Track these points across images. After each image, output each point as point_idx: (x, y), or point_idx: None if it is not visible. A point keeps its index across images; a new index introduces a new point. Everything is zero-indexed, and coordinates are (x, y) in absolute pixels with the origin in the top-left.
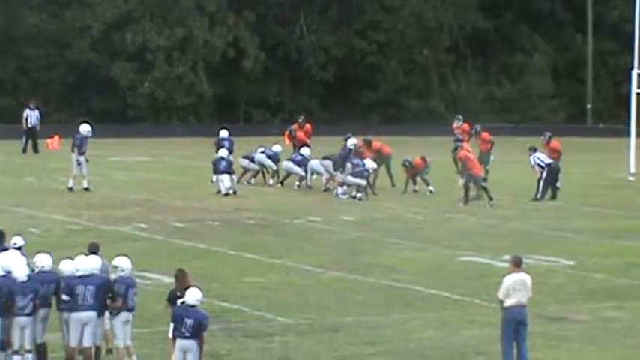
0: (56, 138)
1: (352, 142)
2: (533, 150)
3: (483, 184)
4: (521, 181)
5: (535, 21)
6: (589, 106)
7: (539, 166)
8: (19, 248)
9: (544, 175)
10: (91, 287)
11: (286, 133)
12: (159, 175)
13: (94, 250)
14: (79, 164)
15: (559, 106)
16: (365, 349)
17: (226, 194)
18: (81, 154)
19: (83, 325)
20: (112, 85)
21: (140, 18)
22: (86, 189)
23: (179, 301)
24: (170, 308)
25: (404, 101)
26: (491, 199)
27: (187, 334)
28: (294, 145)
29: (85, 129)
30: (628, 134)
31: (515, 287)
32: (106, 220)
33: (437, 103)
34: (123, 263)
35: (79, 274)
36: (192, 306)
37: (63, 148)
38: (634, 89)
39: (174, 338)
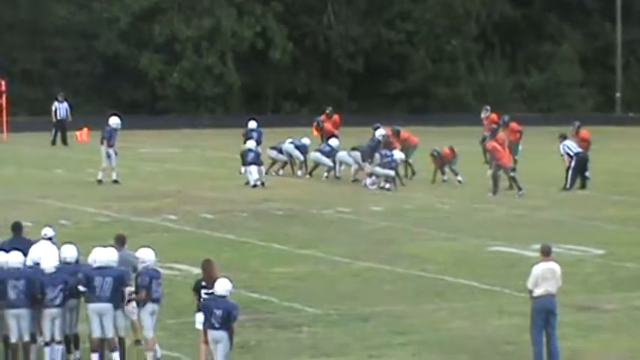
0: (85, 130)
1: (381, 132)
2: (563, 138)
3: (512, 173)
4: (551, 171)
5: (563, 9)
6: (618, 94)
7: (568, 154)
8: (49, 239)
9: (572, 164)
10: (109, 279)
11: (314, 124)
12: (188, 167)
13: (120, 241)
14: (109, 156)
15: (588, 95)
16: (394, 339)
17: (254, 185)
18: (110, 146)
19: (101, 317)
20: (140, 76)
21: (168, 9)
22: (115, 181)
23: (202, 292)
24: (195, 297)
25: (432, 91)
26: (520, 188)
27: (217, 325)
28: (322, 137)
29: (114, 121)
30: None
31: (545, 276)
32: (135, 211)
33: (465, 92)
34: (145, 255)
35: (96, 265)
36: (222, 297)
37: (92, 140)
38: None
39: (204, 330)
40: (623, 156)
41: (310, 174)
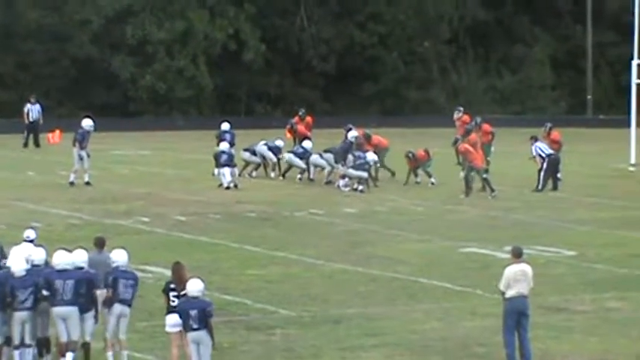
0: (57, 132)
1: (353, 134)
2: (535, 139)
3: (485, 175)
4: (523, 173)
5: (535, 12)
6: (589, 97)
7: (540, 156)
8: (31, 241)
9: (544, 165)
10: (70, 282)
11: (287, 127)
12: (160, 169)
13: (99, 244)
14: (81, 158)
15: (559, 97)
16: (367, 341)
17: (227, 187)
18: (82, 148)
19: (64, 320)
20: (112, 78)
21: (140, 11)
22: (87, 183)
23: (171, 295)
24: (165, 300)
25: (404, 93)
26: (492, 190)
27: (195, 326)
28: (295, 139)
29: (87, 123)
30: (628, 125)
31: (516, 278)
32: (107, 214)
33: (437, 94)
34: (114, 256)
35: (58, 268)
36: (195, 297)
37: (64, 142)
38: (634, 80)
39: (180, 334)
40: (594, 158)
41: (283, 176)
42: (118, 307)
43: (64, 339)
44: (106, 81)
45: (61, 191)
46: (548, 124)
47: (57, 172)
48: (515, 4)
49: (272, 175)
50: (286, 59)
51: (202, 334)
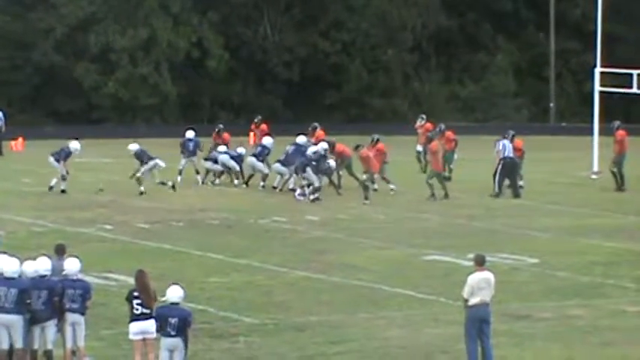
0: (20, 140)
1: (324, 146)
2: (503, 137)
3: (430, 181)
4: (486, 180)
5: (498, 20)
6: (552, 104)
7: (501, 152)
8: None
9: (499, 167)
10: (13, 290)
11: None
12: (124, 176)
13: (59, 251)
14: (63, 176)
15: (522, 105)
16: (330, 349)
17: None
18: (57, 161)
19: (7, 328)
20: (76, 86)
21: (103, 19)
22: (51, 188)
23: (134, 302)
24: (128, 307)
25: (368, 100)
26: (433, 195)
27: (173, 333)
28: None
29: (74, 146)
30: (591, 133)
31: (480, 286)
32: (70, 221)
33: (400, 102)
34: (65, 264)
35: (5, 276)
36: (175, 304)
37: (27, 149)
38: (597, 88)
39: (162, 336)
40: (557, 165)
41: (247, 183)
42: (69, 316)
43: (4, 347)
44: (69, 88)
45: (23, 199)
46: (511, 132)
47: (20, 179)
48: (478, 12)
49: (235, 182)
50: (249, 67)
51: (178, 342)
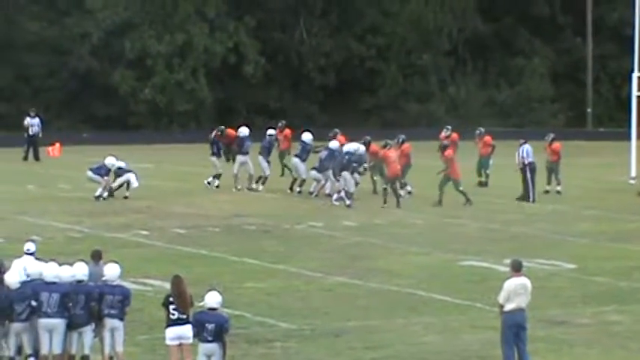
0: (57, 145)
1: (362, 147)
2: (524, 142)
3: (461, 187)
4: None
5: (534, 24)
6: (589, 109)
7: (523, 158)
8: (31, 254)
9: (528, 174)
10: (55, 295)
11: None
12: (160, 182)
13: (96, 257)
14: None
15: (559, 110)
16: (366, 354)
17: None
18: (100, 175)
19: (50, 333)
20: (112, 91)
21: (140, 24)
22: (107, 196)
23: (171, 308)
24: (165, 313)
25: (403, 105)
26: (468, 200)
27: (210, 338)
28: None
29: (110, 162)
30: (628, 137)
31: (517, 292)
32: (107, 227)
33: (436, 107)
34: (106, 270)
35: (46, 280)
36: (213, 309)
37: (63, 155)
38: (634, 92)
39: (199, 342)
40: (594, 171)
41: (291, 189)
42: (107, 321)
43: (45, 352)
44: (105, 94)
45: (61, 204)
46: (551, 135)
47: (57, 185)
48: (514, 17)
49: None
50: (286, 72)
51: (216, 348)
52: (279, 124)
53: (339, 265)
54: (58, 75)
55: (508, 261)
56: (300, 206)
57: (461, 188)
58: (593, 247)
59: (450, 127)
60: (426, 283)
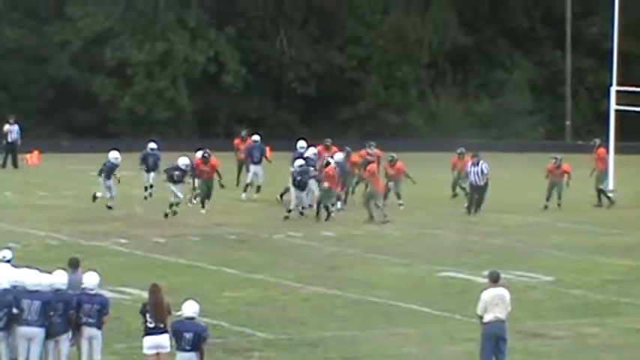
0: (35, 153)
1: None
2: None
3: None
4: (501, 198)
5: (514, 37)
6: (568, 122)
7: (480, 175)
8: (8, 261)
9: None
10: (37, 302)
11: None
12: (139, 190)
13: (73, 265)
14: (109, 188)
15: (538, 123)
16: None
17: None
18: (108, 178)
19: (28, 341)
20: (92, 100)
21: (120, 33)
22: (109, 207)
23: (148, 316)
24: (142, 321)
25: (383, 116)
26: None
27: (188, 348)
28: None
29: (113, 156)
30: (607, 151)
31: (494, 302)
32: (85, 234)
33: (416, 118)
34: (84, 278)
35: (28, 288)
36: (190, 318)
37: (42, 162)
38: (612, 106)
39: (177, 350)
40: (572, 183)
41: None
42: (85, 330)
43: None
44: (85, 102)
45: (39, 212)
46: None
47: (35, 192)
48: (494, 29)
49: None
50: (266, 82)
51: (194, 357)
52: (242, 134)
53: (317, 275)
54: (38, 83)
55: (486, 272)
56: (279, 216)
57: (379, 203)
58: (571, 260)
59: (373, 144)
60: (404, 294)
